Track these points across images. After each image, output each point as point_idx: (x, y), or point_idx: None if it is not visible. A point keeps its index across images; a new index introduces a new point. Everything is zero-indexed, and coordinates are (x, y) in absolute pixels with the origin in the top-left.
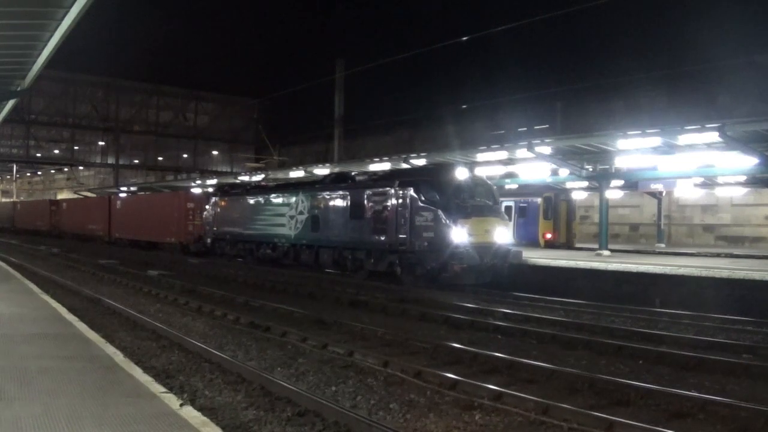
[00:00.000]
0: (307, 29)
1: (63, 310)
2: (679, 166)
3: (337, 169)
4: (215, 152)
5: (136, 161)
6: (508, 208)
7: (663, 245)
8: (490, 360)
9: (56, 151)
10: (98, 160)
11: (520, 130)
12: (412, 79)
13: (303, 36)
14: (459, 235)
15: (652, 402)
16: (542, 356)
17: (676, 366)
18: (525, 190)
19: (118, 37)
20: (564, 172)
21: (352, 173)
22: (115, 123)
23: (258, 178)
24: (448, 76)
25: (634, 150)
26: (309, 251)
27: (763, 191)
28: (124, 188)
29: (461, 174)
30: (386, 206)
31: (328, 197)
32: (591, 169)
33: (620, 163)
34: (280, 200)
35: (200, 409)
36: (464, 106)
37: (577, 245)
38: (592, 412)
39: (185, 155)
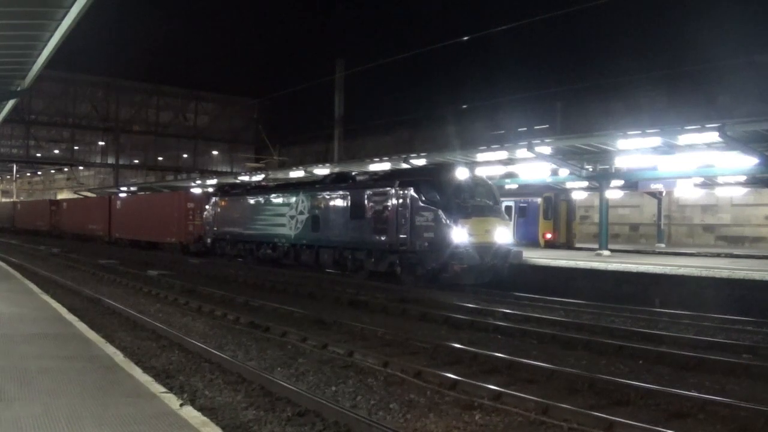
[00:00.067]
0: (307, 29)
1: (63, 310)
2: (679, 166)
3: (337, 169)
4: (215, 152)
5: (136, 161)
6: (508, 208)
7: (663, 245)
8: (490, 360)
9: (56, 151)
10: (98, 160)
11: (520, 130)
12: (412, 79)
13: (303, 36)
14: (459, 235)
15: (652, 402)
16: (542, 356)
17: (676, 366)
18: (525, 190)
19: (118, 37)
20: (564, 172)
21: (353, 173)
22: (115, 123)
23: (258, 178)
24: (448, 76)
25: (634, 150)
26: (309, 251)
27: (763, 191)
28: (124, 188)
29: (462, 174)
30: (387, 206)
31: (328, 197)
32: (591, 169)
33: (620, 163)
34: (280, 200)
35: (200, 409)
36: (464, 106)
37: (577, 245)
38: (592, 412)
39: (185, 155)
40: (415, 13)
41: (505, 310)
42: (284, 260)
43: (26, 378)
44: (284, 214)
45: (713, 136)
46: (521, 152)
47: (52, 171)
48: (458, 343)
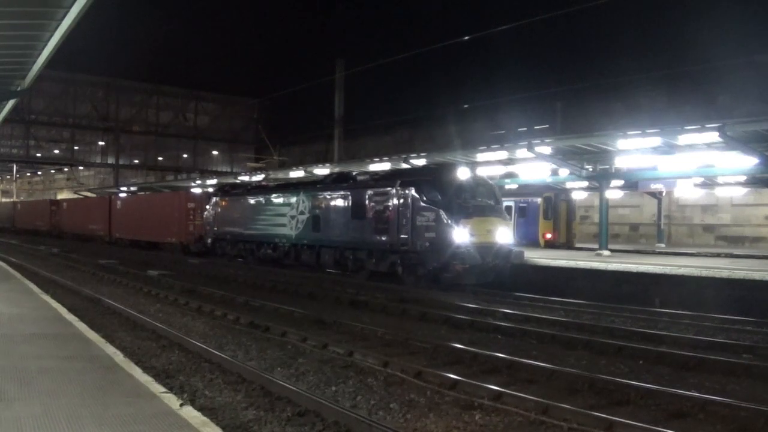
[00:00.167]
0: (307, 29)
1: (63, 310)
2: (679, 166)
3: (337, 169)
4: (215, 152)
5: (136, 161)
6: (508, 208)
7: (663, 245)
8: (490, 360)
9: (56, 151)
10: (98, 160)
11: (520, 130)
12: (412, 79)
13: (303, 36)
14: (461, 235)
15: (652, 402)
16: (542, 356)
17: (676, 366)
18: (525, 190)
19: (118, 37)
20: (564, 172)
21: (354, 173)
22: (115, 123)
23: (258, 178)
24: (449, 76)
25: (634, 150)
26: (310, 251)
27: (763, 191)
28: (124, 188)
29: (463, 174)
30: (388, 206)
31: (329, 197)
32: (591, 169)
33: (620, 163)
34: (281, 200)
35: (200, 409)
36: (465, 106)
37: (577, 245)
38: (592, 412)
39: (185, 155)
40: (415, 13)
41: (505, 310)
42: (285, 260)
43: (26, 378)
44: (285, 214)
45: (713, 136)
46: (521, 152)
47: (52, 171)
48: (458, 343)
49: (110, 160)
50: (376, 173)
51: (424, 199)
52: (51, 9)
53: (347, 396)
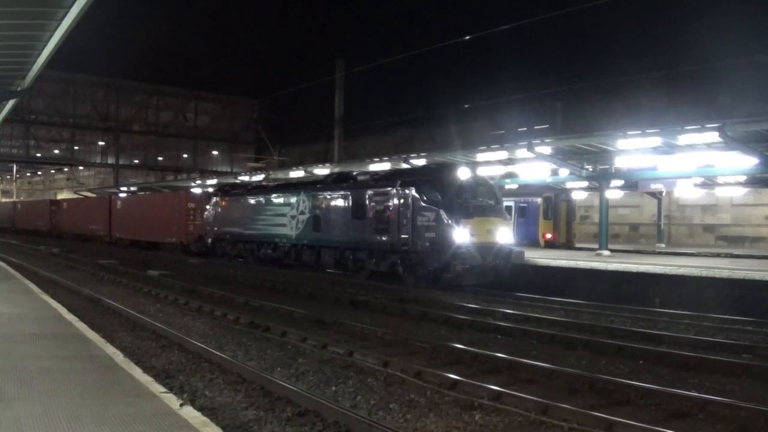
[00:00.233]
0: (307, 29)
1: (63, 310)
2: (679, 166)
3: (337, 169)
4: (215, 152)
5: (136, 161)
6: (507, 208)
7: (663, 245)
8: (490, 360)
9: (56, 151)
10: (98, 160)
11: (520, 130)
12: (412, 79)
13: (303, 36)
14: (461, 235)
15: (652, 402)
16: (542, 356)
17: (676, 366)
18: (525, 190)
19: (118, 37)
20: (564, 172)
21: (354, 173)
22: (115, 123)
23: (258, 178)
24: (448, 76)
25: (634, 150)
26: (310, 251)
27: (763, 191)
28: (124, 188)
29: (463, 174)
30: (388, 206)
31: (329, 197)
32: (591, 169)
33: (620, 163)
34: (281, 200)
35: (200, 409)
36: (465, 106)
37: (577, 245)
38: (592, 412)
39: (185, 155)
40: (415, 13)
41: (505, 310)
42: (285, 260)
43: (26, 378)
44: (285, 214)
45: (713, 136)
46: (521, 152)
47: (52, 171)
48: (458, 343)
49: (110, 160)
50: (376, 173)
51: (425, 199)
52: (51, 9)
53: (347, 396)
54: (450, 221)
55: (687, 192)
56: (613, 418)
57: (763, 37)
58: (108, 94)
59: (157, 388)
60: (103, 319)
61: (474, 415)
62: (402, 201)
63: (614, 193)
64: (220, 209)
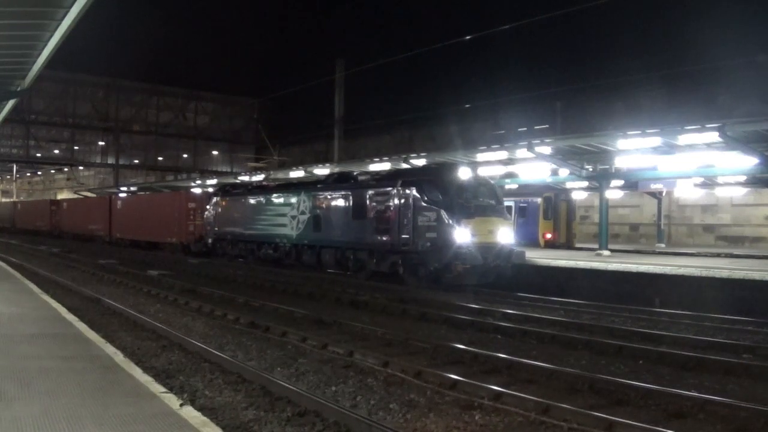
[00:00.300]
0: (307, 29)
1: (63, 310)
2: (679, 166)
3: (337, 169)
4: (215, 152)
5: (136, 161)
6: (507, 208)
7: (663, 245)
8: (490, 360)
9: (56, 151)
10: (98, 160)
11: (520, 130)
12: (412, 79)
13: (303, 36)
14: (462, 235)
15: (652, 402)
16: (542, 356)
17: (676, 366)
18: (525, 190)
19: (118, 37)
20: (564, 172)
21: (354, 173)
22: (115, 123)
23: (258, 178)
24: (449, 76)
25: (634, 150)
26: (311, 251)
27: (763, 191)
28: (124, 188)
29: (464, 174)
30: (389, 206)
31: (330, 197)
32: (591, 169)
33: (620, 163)
34: (281, 200)
35: (200, 409)
36: (465, 106)
37: (577, 245)
38: (592, 412)
39: (185, 155)
40: (415, 13)
41: (505, 310)
42: (285, 260)
43: (26, 378)
44: (286, 214)
45: (713, 136)
46: (521, 152)
47: (52, 171)
48: (458, 343)
49: (110, 160)
50: (377, 173)
51: (426, 199)
52: (51, 9)
53: (347, 396)
54: (451, 221)
55: (687, 192)
56: (613, 418)
57: (763, 37)
58: (108, 94)
59: (157, 388)
60: (103, 319)
61: (474, 415)
62: (403, 201)
63: (614, 193)
64: (220, 209)
